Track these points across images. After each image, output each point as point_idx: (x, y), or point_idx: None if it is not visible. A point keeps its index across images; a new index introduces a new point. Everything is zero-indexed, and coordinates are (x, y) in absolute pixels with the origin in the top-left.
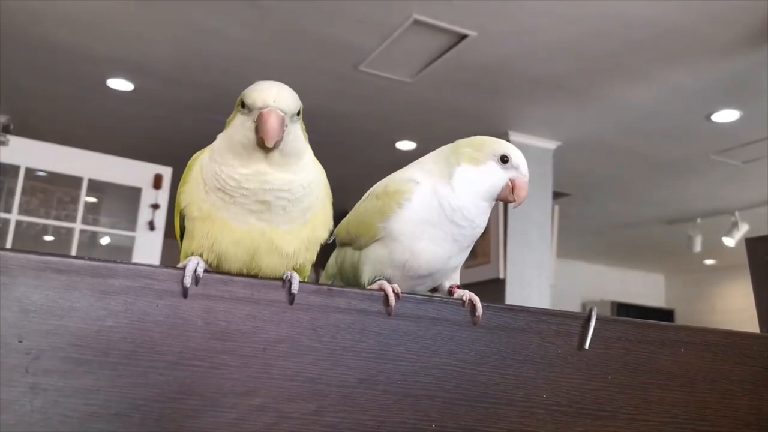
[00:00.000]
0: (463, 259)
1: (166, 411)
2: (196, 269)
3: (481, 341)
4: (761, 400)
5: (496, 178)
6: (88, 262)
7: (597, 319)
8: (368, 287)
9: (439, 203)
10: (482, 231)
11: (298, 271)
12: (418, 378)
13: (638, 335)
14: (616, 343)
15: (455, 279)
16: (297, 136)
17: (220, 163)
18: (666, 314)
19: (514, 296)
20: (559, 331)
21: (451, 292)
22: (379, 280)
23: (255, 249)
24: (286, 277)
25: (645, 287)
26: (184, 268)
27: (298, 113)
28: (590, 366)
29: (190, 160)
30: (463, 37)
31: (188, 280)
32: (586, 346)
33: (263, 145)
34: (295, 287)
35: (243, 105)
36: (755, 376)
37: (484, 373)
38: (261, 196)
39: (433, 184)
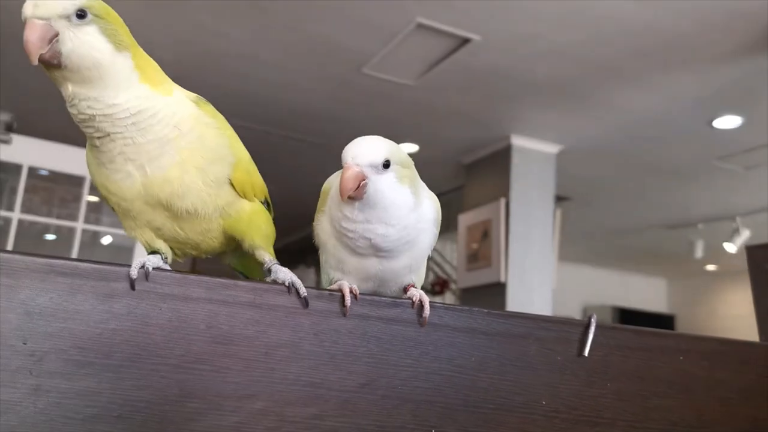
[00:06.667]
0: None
1: (168, 414)
2: (144, 264)
3: (480, 347)
4: (759, 408)
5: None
6: (93, 265)
7: (596, 326)
8: (328, 288)
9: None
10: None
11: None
12: (418, 383)
13: (637, 343)
14: (615, 351)
15: (413, 279)
16: None
17: None
18: (667, 319)
19: (515, 300)
20: (558, 337)
21: (406, 290)
22: (339, 281)
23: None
24: (289, 282)
25: (647, 292)
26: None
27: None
28: (589, 373)
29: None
30: (467, 41)
31: (134, 273)
32: (585, 353)
33: None
34: (303, 291)
35: None
36: (753, 384)
37: (484, 379)
38: None
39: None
